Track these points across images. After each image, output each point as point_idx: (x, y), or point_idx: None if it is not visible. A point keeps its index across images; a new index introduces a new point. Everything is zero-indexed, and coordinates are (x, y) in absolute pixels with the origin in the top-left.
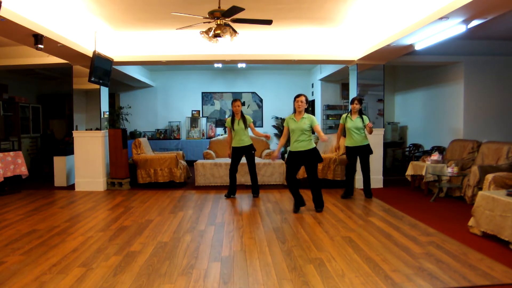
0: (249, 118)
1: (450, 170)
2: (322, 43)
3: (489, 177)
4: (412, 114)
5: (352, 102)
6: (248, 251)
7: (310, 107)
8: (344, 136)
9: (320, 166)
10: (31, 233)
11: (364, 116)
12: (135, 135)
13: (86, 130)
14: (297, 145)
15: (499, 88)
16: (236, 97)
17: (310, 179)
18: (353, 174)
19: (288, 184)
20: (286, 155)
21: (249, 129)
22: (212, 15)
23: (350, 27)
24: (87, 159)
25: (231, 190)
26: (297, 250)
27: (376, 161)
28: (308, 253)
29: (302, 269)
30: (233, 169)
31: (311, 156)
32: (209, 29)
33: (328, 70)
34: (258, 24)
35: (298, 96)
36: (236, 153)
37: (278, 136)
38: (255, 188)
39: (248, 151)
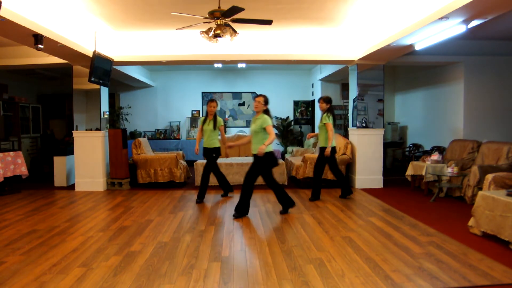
0: (220, 121)
1: (450, 170)
2: (322, 43)
3: (489, 177)
4: (412, 114)
5: (318, 100)
6: (248, 251)
7: (310, 107)
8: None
9: None
10: (31, 233)
11: (324, 115)
12: (135, 135)
13: (86, 130)
14: (252, 147)
15: (499, 88)
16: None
17: (265, 183)
18: (321, 174)
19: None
20: (286, 155)
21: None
22: (212, 15)
23: (350, 27)
24: (87, 159)
25: (224, 188)
26: (297, 250)
27: (376, 161)
28: (308, 253)
29: (302, 269)
30: (212, 169)
31: (258, 161)
32: (209, 29)
33: (328, 70)
34: (258, 24)
35: (256, 96)
36: (205, 154)
37: (278, 136)
38: (226, 187)
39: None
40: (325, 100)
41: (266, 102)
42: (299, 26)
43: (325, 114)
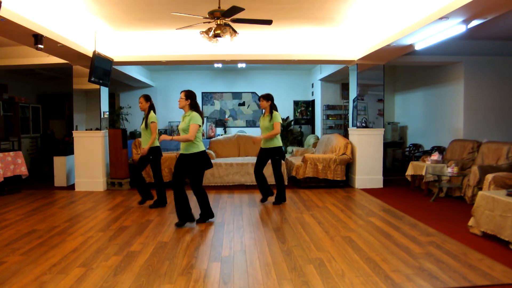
0: (151, 117)
1: (450, 170)
2: (322, 43)
3: (489, 177)
4: (412, 114)
5: (259, 99)
6: (248, 251)
7: (310, 107)
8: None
9: (320, 166)
10: (31, 233)
11: (274, 113)
12: (135, 135)
13: (86, 130)
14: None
15: (499, 88)
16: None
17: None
18: (258, 177)
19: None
20: (286, 155)
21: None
22: (212, 15)
23: (350, 27)
24: (87, 159)
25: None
26: (297, 250)
27: (376, 161)
28: (308, 253)
29: (302, 269)
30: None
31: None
32: (209, 29)
33: (328, 70)
34: (258, 24)
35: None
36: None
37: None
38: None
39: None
40: (264, 97)
41: (188, 96)
42: (299, 26)
43: (275, 113)
